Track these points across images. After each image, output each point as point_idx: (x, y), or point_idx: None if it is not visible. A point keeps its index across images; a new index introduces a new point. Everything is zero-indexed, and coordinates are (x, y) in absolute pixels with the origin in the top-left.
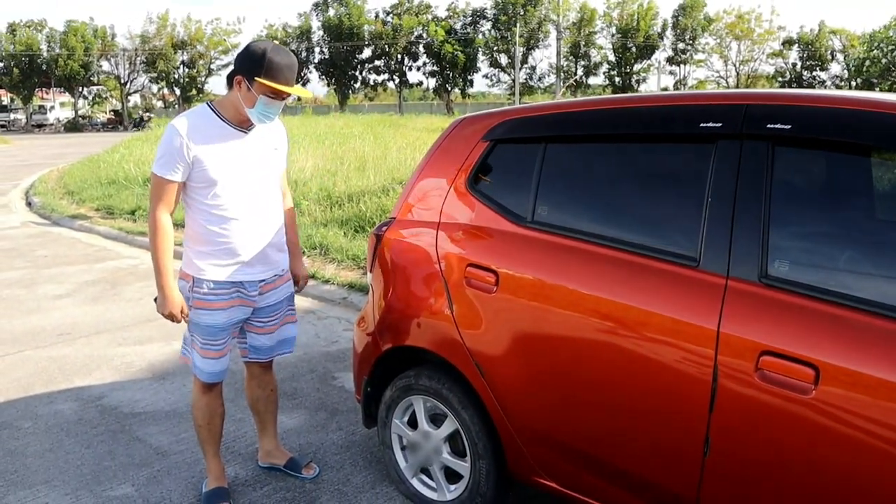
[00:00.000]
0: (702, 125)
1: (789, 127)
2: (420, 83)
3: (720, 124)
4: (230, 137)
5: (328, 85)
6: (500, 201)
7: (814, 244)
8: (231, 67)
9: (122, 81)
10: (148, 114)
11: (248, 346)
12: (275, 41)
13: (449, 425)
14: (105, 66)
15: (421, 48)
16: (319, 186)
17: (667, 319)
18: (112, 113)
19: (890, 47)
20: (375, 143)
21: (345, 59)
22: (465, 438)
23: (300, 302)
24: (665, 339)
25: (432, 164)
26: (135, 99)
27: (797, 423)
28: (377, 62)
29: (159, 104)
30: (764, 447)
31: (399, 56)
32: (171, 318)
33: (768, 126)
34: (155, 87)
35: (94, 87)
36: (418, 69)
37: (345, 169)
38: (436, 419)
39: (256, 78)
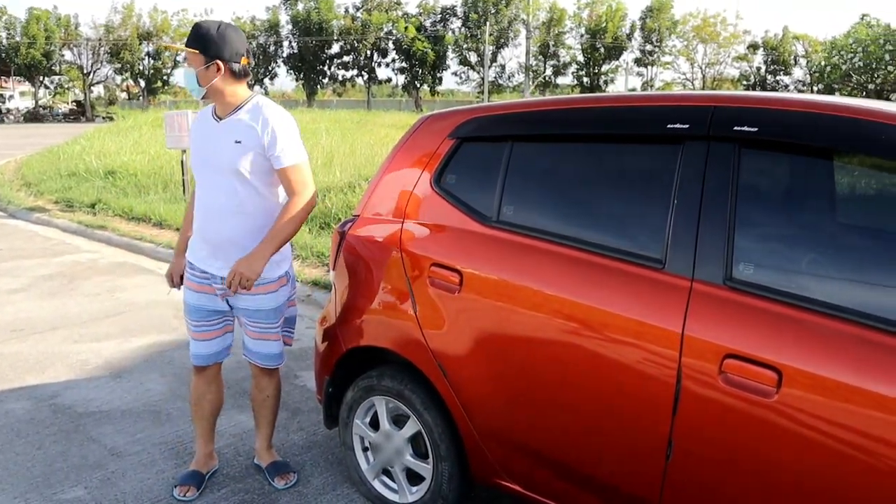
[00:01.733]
0: (669, 126)
1: (755, 129)
2: (389, 80)
3: (687, 126)
4: (207, 126)
5: (296, 80)
6: (466, 200)
7: (778, 247)
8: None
9: (85, 72)
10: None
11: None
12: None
13: (411, 427)
14: (68, 55)
15: (390, 45)
16: None
17: (631, 321)
18: (74, 103)
19: (849, 55)
20: (343, 139)
21: (313, 53)
22: (427, 440)
23: None
24: (629, 340)
25: (397, 161)
26: (98, 90)
27: (760, 427)
28: (346, 58)
29: (123, 95)
30: (727, 450)
31: (368, 52)
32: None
33: (735, 128)
34: (119, 79)
35: (56, 77)
36: (387, 66)
37: (311, 165)
38: (398, 420)
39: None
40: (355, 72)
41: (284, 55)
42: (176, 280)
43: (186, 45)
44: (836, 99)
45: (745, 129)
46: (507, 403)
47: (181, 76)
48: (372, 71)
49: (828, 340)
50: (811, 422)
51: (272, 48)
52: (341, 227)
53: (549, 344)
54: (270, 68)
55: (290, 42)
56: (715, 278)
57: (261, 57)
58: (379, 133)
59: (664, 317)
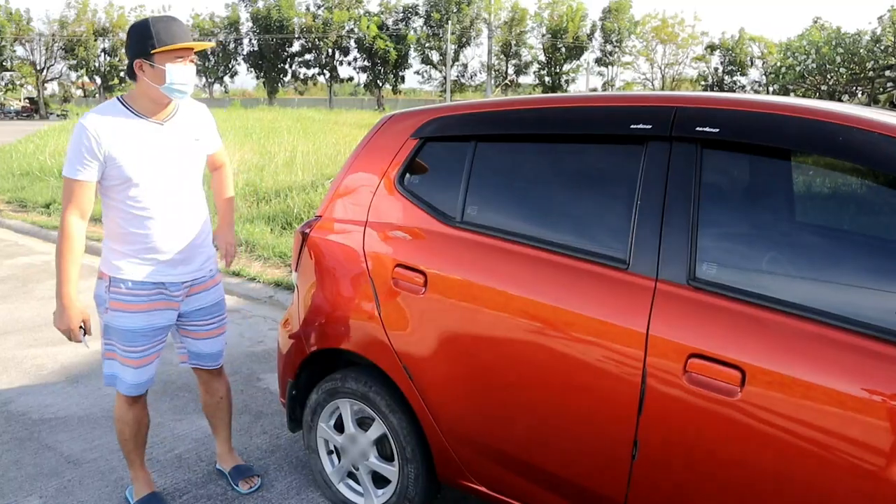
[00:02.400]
0: (632, 126)
1: (717, 130)
2: (351, 78)
3: (650, 126)
4: (146, 131)
5: (257, 78)
6: (430, 200)
7: (740, 246)
8: (126, 62)
9: (39, 68)
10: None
11: (186, 351)
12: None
13: (377, 429)
14: (19, 51)
15: (352, 43)
16: (246, 181)
17: (596, 321)
18: (27, 101)
19: (803, 56)
20: (305, 137)
21: (274, 51)
22: (393, 442)
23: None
24: (594, 340)
25: (360, 161)
26: (52, 87)
27: (724, 426)
28: (307, 56)
29: (79, 93)
30: (692, 449)
31: (329, 50)
32: (69, 333)
33: (697, 129)
34: (74, 75)
35: (7, 73)
36: (349, 64)
37: (273, 164)
38: (363, 423)
39: (153, 51)
40: (317, 70)
41: (244, 53)
42: (86, 328)
43: (198, 41)
44: (794, 100)
45: (707, 129)
46: (472, 405)
47: (188, 75)
48: (334, 69)
49: (790, 339)
50: (774, 420)
51: (232, 45)
52: (304, 227)
53: (514, 344)
54: (230, 66)
55: (251, 39)
56: (679, 278)
57: (220, 54)
58: (341, 132)
59: (629, 317)
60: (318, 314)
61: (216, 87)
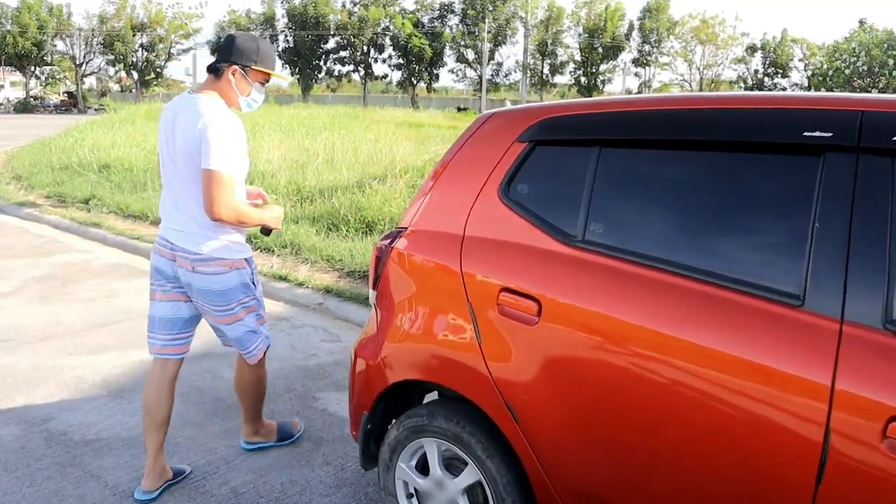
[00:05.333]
0: (805, 134)
1: None
2: (385, 76)
3: (829, 134)
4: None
5: (292, 74)
6: (543, 214)
7: None
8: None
9: (78, 62)
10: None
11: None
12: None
13: (469, 475)
14: (60, 45)
15: (387, 40)
16: (288, 180)
17: (760, 368)
18: (66, 95)
19: (852, 58)
20: (343, 135)
21: (309, 48)
22: (489, 492)
23: (271, 307)
24: (757, 390)
25: (455, 167)
26: (90, 81)
27: None
28: (342, 53)
29: (115, 87)
30: None
31: (365, 48)
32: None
33: (895, 139)
34: (112, 70)
35: (48, 67)
36: (384, 62)
37: (314, 162)
38: (452, 466)
39: (252, 67)
40: (351, 67)
41: (280, 49)
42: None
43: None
44: None
45: None
46: (594, 458)
47: (258, 96)
48: (368, 66)
49: None
50: None
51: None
52: (385, 240)
53: (652, 391)
54: None
55: (286, 36)
56: (871, 320)
57: None
58: (381, 129)
59: (806, 365)
60: (403, 341)
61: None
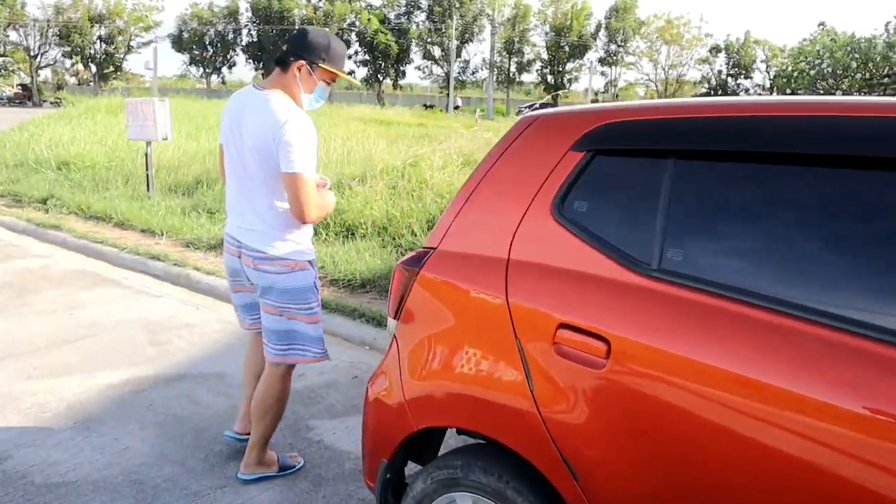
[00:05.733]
0: None
1: None
2: (351, 72)
3: None
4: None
5: (256, 69)
6: (607, 237)
7: None
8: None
9: (32, 54)
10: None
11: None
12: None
13: None
14: (13, 36)
15: (353, 36)
16: None
17: None
18: (20, 87)
19: (817, 60)
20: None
21: (273, 43)
22: None
23: None
24: None
25: (494, 179)
26: (46, 73)
27: None
28: None
29: (73, 80)
30: None
31: None
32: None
33: None
34: (68, 62)
35: (0, 59)
36: (350, 58)
37: None
38: None
39: (320, 64)
40: None
41: (243, 43)
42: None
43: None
44: None
45: None
46: None
47: (323, 94)
48: None
49: None
50: None
51: (231, 36)
52: (408, 262)
53: (754, 453)
54: (229, 57)
55: (250, 30)
56: None
57: (219, 45)
58: (348, 126)
59: None
60: (434, 380)
61: (213, 77)
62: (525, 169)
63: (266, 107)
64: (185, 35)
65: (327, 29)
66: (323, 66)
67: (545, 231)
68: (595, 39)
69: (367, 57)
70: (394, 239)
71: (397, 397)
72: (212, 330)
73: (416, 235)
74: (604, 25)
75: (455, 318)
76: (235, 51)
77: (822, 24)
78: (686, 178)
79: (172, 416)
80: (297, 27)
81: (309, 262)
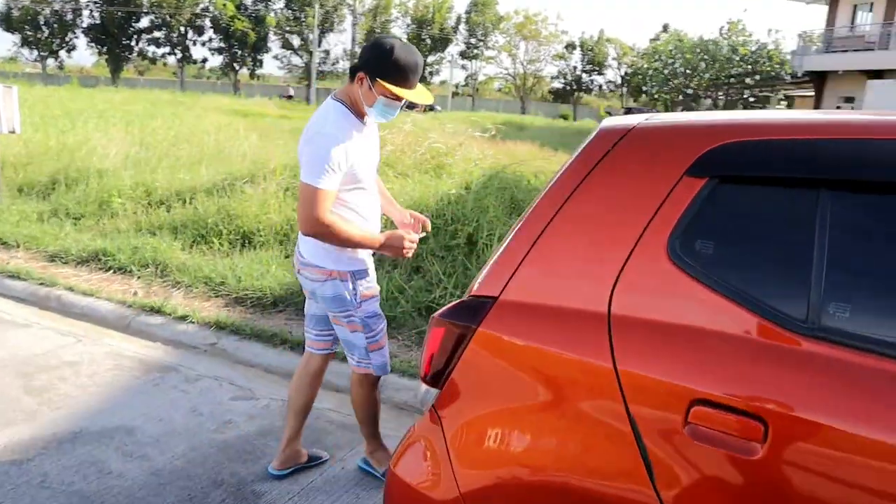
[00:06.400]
0: None
1: None
2: (205, 60)
3: None
4: (362, 132)
5: (99, 54)
6: (745, 287)
7: None
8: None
9: None
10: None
11: (333, 337)
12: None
13: None
14: None
15: (207, 22)
16: (135, 180)
17: None
18: None
19: (669, 60)
20: (177, 125)
21: (119, 26)
22: None
23: (147, 351)
24: None
25: (580, 208)
26: None
27: None
28: (157, 33)
29: None
30: None
31: (182, 28)
32: (408, 248)
33: None
34: None
35: None
36: (203, 45)
37: (160, 158)
38: None
39: (378, 78)
40: (167, 49)
41: (84, 25)
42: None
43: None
44: None
45: None
46: None
47: (393, 112)
48: (186, 49)
49: None
50: None
51: (70, 16)
52: (457, 315)
53: None
54: (67, 39)
55: (92, 12)
56: None
57: (56, 25)
58: (211, 119)
59: None
60: (504, 467)
61: (50, 61)
62: (623, 198)
63: (314, 115)
64: (15, 13)
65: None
66: (381, 81)
67: (660, 278)
68: (456, 33)
69: (222, 44)
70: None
71: (448, 490)
72: (103, 368)
73: None
74: (464, 19)
75: (536, 388)
76: (76, 33)
77: (665, 26)
78: (846, 213)
79: (77, 495)
80: (143, 9)
81: (351, 272)
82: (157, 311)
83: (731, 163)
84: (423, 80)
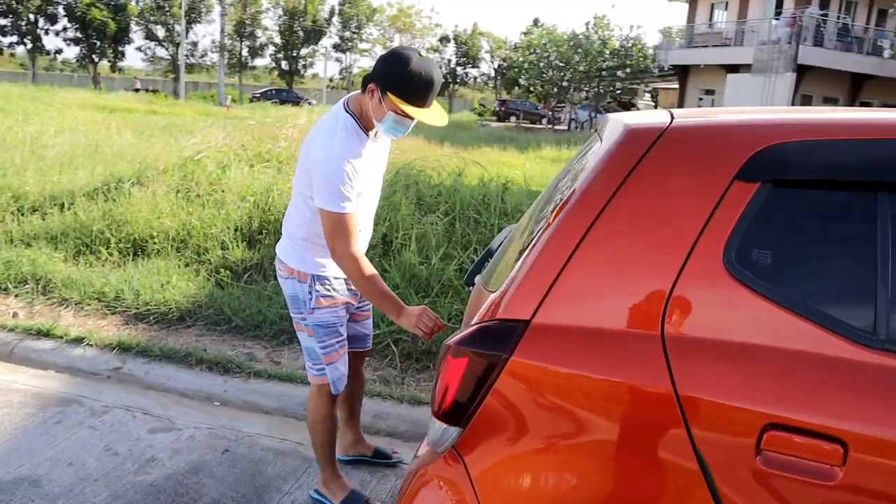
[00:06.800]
0: None
1: None
2: (59, 51)
3: None
4: (369, 149)
5: None
6: (808, 298)
7: None
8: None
9: None
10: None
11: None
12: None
13: None
14: None
15: (61, 10)
16: (1, 185)
17: None
18: None
19: (545, 53)
20: (37, 122)
21: None
22: None
23: (41, 382)
24: None
25: (618, 218)
26: None
27: None
28: (2, 21)
29: None
30: None
31: (32, 16)
32: (434, 327)
33: None
34: None
35: None
36: (57, 34)
37: (17, 160)
38: None
39: (389, 92)
40: (15, 38)
41: None
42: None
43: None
44: None
45: None
46: None
47: (404, 129)
48: (37, 39)
49: None
50: None
51: None
52: (481, 343)
53: None
54: None
55: None
56: None
57: None
58: (75, 115)
59: None
60: None
61: None
62: (668, 207)
63: (322, 129)
64: None
65: (411, 50)
66: (392, 96)
67: (718, 293)
68: (329, 25)
69: (79, 34)
70: (198, 255)
71: None
72: None
73: (227, 249)
74: (338, 11)
75: (583, 421)
76: None
77: (536, 20)
78: None
79: None
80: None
81: (313, 276)
82: (45, 334)
83: (783, 165)
84: (296, 73)
